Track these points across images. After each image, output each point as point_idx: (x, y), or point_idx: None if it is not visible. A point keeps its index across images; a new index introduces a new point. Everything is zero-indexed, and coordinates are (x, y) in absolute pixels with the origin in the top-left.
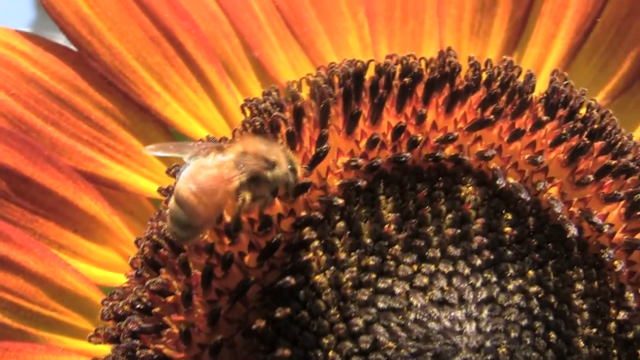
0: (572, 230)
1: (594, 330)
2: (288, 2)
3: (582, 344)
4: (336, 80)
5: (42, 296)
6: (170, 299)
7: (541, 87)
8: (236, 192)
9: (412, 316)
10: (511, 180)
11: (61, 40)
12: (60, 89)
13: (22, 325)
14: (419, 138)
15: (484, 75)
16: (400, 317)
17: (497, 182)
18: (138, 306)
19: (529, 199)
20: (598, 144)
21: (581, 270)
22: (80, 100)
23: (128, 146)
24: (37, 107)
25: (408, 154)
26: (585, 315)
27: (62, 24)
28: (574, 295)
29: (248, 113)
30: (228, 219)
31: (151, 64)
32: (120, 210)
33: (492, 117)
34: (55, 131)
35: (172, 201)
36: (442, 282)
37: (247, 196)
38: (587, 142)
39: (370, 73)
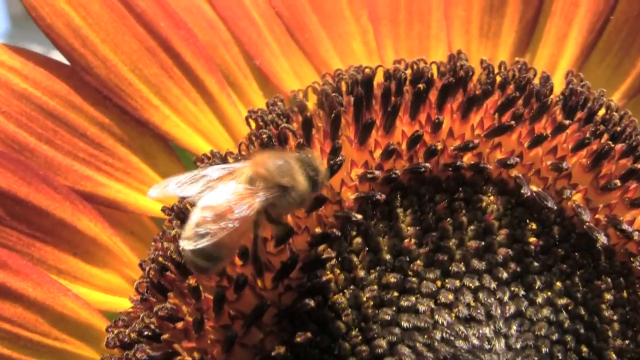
0: (602, 239)
1: (626, 341)
2: (288, 8)
3: (614, 356)
4: (344, 87)
5: (43, 324)
6: (179, 324)
7: (556, 88)
8: (254, 219)
9: (438, 335)
10: (535, 188)
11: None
12: (53, 105)
13: (23, 355)
14: (438, 147)
15: (498, 79)
16: (425, 336)
17: (522, 191)
18: (146, 333)
19: (555, 207)
20: (619, 147)
21: (609, 280)
22: (75, 117)
23: (127, 163)
24: (30, 124)
25: (427, 164)
26: (616, 326)
27: (54, 37)
28: (604, 306)
29: (253, 125)
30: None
31: (148, 75)
32: (121, 231)
33: (512, 122)
34: (50, 150)
35: (191, 233)
36: (468, 298)
37: (265, 222)
38: (611, 145)
39: (378, 79)
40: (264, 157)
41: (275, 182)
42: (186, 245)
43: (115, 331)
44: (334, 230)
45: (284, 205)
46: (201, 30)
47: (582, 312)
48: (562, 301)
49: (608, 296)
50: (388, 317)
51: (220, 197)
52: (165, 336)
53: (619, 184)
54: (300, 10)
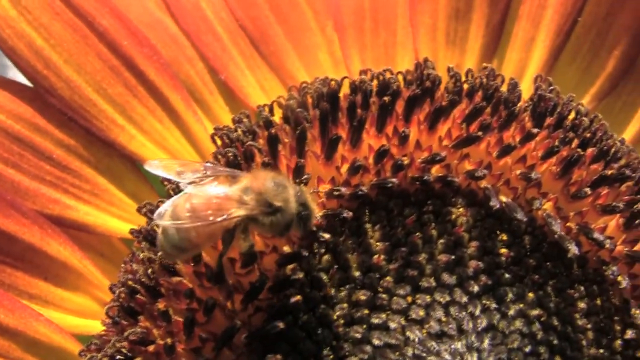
0: (573, 250)
1: (600, 350)
2: (252, 20)
3: None
4: (310, 101)
5: (16, 350)
6: (151, 348)
7: (524, 94)
8: (231, 229)
9: (410, 352)
10: (504, 199)
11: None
12: (18, 128)
13: None
14: (405, 162)
15: (465, 86)
16: (397, 353)
17: (491, 203)
18: (118, 357)
19: (525, 219)
20: (590, 151)
21: (582, 288)
22: (41, 139)
23: (94, 185)
24: None
25: (394, 179)
26: (590, 334)
27: (16, 59)
28: (577, 315)
29: (219, 142)
30: (208, 258)
31: (112, 95)
32: (91, 253)
33: (479, 133)
34: (16, 174)
35: (167, 216)
36: (439, 313)
37: (241, 239)
38: (580, 153)
39: (344, 90)
40: (265, 174)
41: (267, 200)
42: (156, 217)
43: (88, 355)
44: (302, 250)
45: (266, 225)
46: (165, 46)
47: (555, 322)
48: (535, 312)
49: (581, 304)
50: (359, 335)
51: (209, 192)
52: None
53: (589, 192)
54: (265, 22)
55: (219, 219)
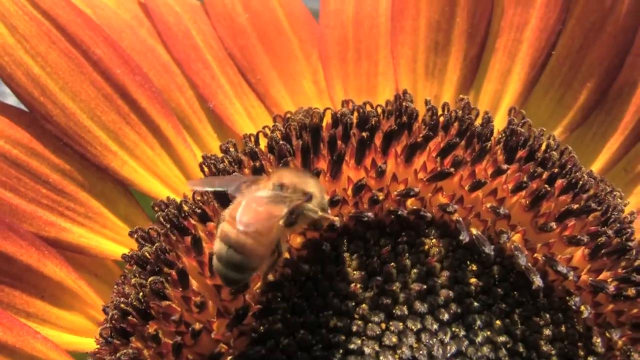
0: (537, 282)
1: None
2: (240, 49)
3: None
4: (293, 132)
5: None
6: None
7: (499, 124)
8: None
9: None
10: (475, 231)
11: None
12: (16, 153)
13: None
14: (380, 197)
15: (441, 119)
16: None
17: (461, 237)
18: None
19: (492, 253)
20: (559, 183)
21: (548, 316)
22: (38, 164)
23: (88, 208)
24: None
25: (370, 214)
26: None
27: (14, 86)
28: (542, 342)
29: (207, 171)
30: (196, 284)
31: (106, 122)
32: (85, 274)
33: (452, 169)
34: (14, 197)
35: (221, 247)
36: (411, 340)
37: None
38: (547, 189)
39: (327, 119)
40: (285, 171)
41: (301, 189)
42: (233, 230)
43: None
44: (284, 280)
45: (306, 213)
46: (156, 74)
47: (521, 348)
48: (502, 339)
49: (547, 331)
50: None
51: (256, 202)
52: None
53: (554, 226)
54: (252, 51)
55: (275, 222)
